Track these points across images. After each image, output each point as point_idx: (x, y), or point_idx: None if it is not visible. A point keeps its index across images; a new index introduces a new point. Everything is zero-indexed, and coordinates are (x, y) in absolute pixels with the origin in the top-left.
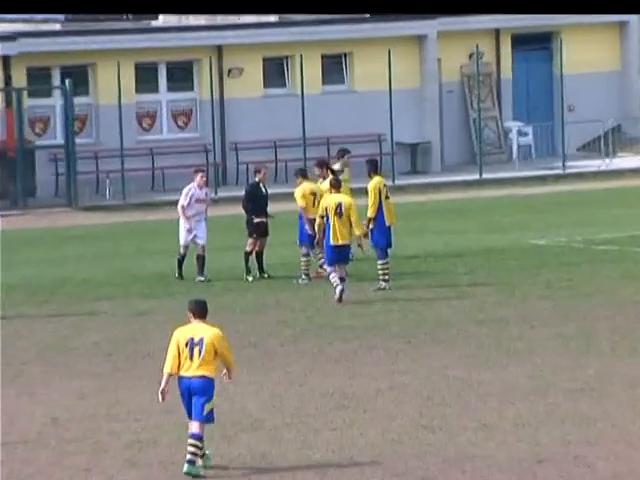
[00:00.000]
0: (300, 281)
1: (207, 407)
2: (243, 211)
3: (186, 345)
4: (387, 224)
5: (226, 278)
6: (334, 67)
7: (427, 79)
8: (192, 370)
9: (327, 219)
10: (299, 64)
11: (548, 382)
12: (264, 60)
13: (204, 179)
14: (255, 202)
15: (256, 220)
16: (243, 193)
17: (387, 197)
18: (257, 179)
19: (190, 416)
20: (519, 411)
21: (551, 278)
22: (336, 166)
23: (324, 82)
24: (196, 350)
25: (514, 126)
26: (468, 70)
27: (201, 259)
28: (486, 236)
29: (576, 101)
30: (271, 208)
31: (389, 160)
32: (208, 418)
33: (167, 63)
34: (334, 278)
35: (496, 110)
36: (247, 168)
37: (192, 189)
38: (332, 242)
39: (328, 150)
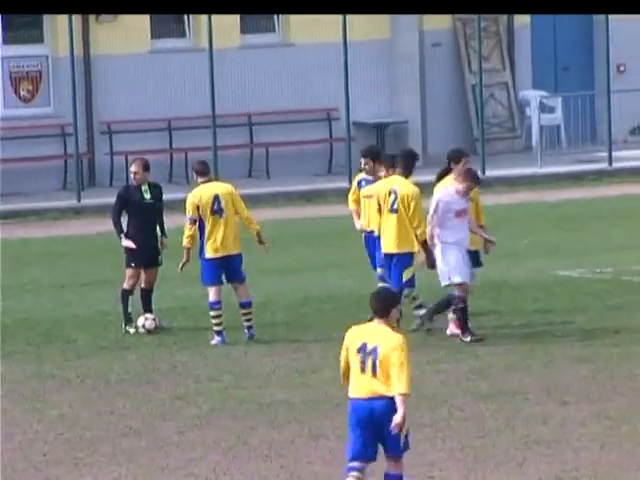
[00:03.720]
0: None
1: (403, 433)
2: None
3: (358, 352)
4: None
5: (94, 330)
6: None
7: (401, 26)
8: (366, 389)
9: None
10: None
11: None
12: None
13: (467, 182)
14: (131, 214)
15: (125, 243)
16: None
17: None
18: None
19: (361, 456)
20: None
21: (591, 329)
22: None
23: (244, 30)
24: (369, 361)
25: (534, 97)
26: None
27: (462, 310)
28: (491, 265)
29: (628, 59)
30: (167, 224)
31: (342, 149)
32: (405, 447)
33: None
34: (215, 312)
35: (507, 73)
36: (126, 161)
37: (449, 195)
38: (209, 254)
39: (250, 133)
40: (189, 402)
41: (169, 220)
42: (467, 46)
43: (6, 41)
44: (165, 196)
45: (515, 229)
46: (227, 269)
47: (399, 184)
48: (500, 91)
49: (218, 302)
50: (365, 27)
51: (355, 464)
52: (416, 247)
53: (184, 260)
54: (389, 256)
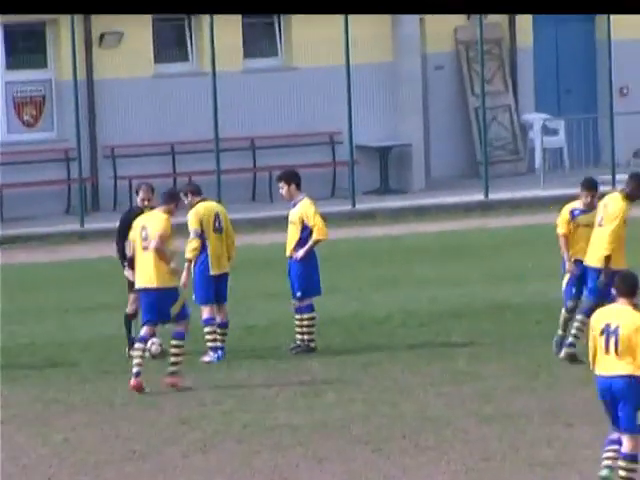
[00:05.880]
0: (208, 358)
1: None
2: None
3: (601, 333)
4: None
5: (98, 354)
6: (261, 32)
7: (403, 49)
8: (608, 368)
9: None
10: (208, 27)
11: None
12: (155, 21)
13: None
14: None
15: (126, 273)
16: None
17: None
18: (139, 203)
19: (615, 425)
20: None
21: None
22: None
23: (246, 54)
24: (612, 341)
25: (537, 120)
26: (466, 35)
27: None
28: (495, 288)
29: (631, 82)
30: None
31: (346, 173)
32: None
33: (5, 26)
34: (211, 328)
35: (510, 96)
36: (130, 185)
37: None
38: (213, 271)
39: (254, 157)
40: (193, 426)
41: (173, 244)
42: (470, 69)
43: (9, 66)
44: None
45: (519, 252)
46: (219, 287)
47: (610, 199)
48: (503, 114)
49: (213, 318)
50: (368, 50)
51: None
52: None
53: (186, 275)
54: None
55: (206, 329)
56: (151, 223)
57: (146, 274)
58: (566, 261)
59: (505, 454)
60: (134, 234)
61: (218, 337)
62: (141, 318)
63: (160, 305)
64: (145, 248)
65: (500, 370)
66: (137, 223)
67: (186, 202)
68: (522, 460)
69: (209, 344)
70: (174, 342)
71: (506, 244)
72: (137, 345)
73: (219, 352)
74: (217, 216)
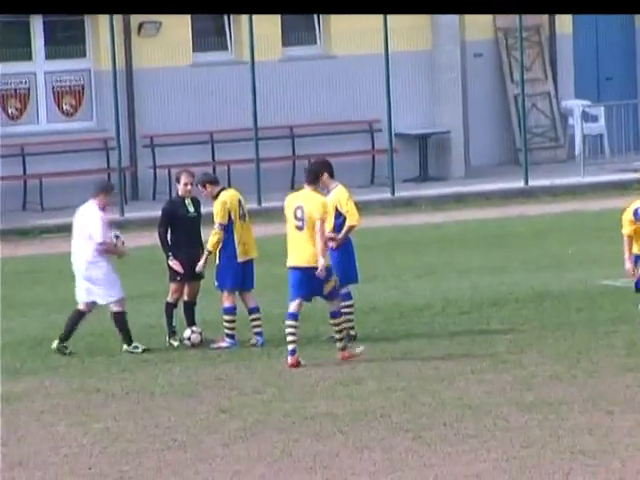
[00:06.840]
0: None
1: None
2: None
3: None
4: None
5: (140, 343)
6: (300, 20)
7: (442, 37)
8: None
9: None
10: (247, 16)
11: None
12: None
13: None
14: (176, 228)
15: (172, 263)
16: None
17: None
18: (180, 192)
19: None
20: None
21: (635, 339)
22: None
23: (285, 43)
24: None
25: (577, 107)
26: (505, 22)
27: None
28: (535, 275)
29: None
30: (205, 237)
31: (385, 161)
32: None
33: (45, 16)
34: (232, 317)
35: (549, 83)
36: (169, 174)
37: None
38: (241, 258)
39: (293, 146)
40: (233, 415)
41: (210, 233)
42: (509, 56)
43: (48, 56)
44: (207, 209)
45: (559, 239)
46: (247, 273)
47: None
48: (542, 101)
49: (234, 307)
50: (407, 38)
51: None
52: None
53: (203, 264)
54: None
55: (226, 317)
56: (308, 204)
57: (299, 254)
58: (626, 261)
59: (546, 442)
60: (287, 212)
61: (255, 322)
62: (289, 295)
63: (312, 282)
64: (299, 228)
65: (541, 358)
66: (291, 202)
67: (204, 194)
68: (563, 448)
69: (226, 331)
70: (333, 321)
71: (546, 231)
72: (287, 322)
73: (259, 338)
74: (240, 203)
